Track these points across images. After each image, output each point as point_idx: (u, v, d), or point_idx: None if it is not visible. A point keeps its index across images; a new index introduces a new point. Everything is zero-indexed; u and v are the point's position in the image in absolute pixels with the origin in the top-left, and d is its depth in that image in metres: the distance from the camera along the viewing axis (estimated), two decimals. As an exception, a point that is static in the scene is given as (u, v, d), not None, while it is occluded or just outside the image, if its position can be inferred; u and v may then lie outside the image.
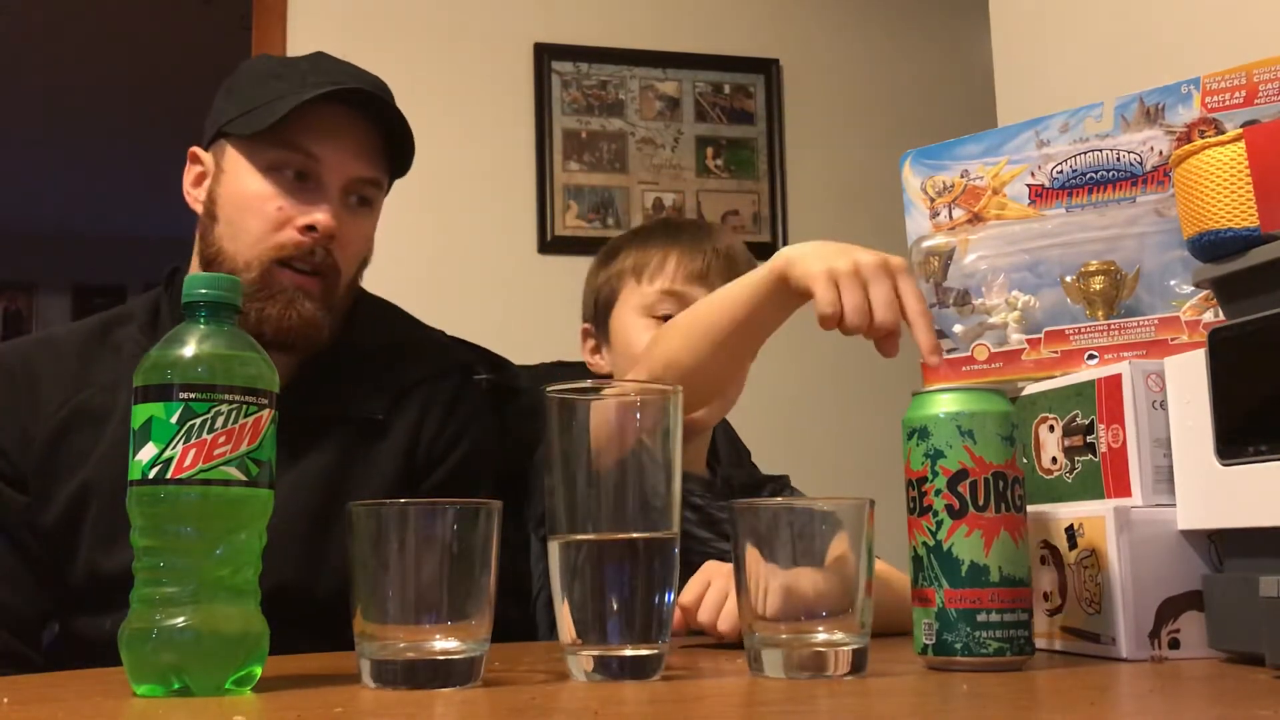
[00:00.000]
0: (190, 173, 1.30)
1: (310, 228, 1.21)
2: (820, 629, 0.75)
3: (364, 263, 1.32)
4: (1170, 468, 0.85)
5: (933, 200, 1.11)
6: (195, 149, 1.30)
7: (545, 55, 3.04)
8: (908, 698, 0.71)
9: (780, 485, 1.38)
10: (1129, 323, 0.98)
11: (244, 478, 0.70)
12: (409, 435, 1.29)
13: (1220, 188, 0.78)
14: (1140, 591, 0.82)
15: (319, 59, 1.31)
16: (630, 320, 1.35)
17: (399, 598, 0.71)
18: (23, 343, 1.35)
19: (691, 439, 1.30)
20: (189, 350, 0.71)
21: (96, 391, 1.24)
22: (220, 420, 0.70)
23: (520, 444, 1.33)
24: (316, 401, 1.25)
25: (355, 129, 1.25)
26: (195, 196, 1.29)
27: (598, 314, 1.41)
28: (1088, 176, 1.05)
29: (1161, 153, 1.01)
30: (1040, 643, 0.87)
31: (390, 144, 1.28)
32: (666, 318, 1.27)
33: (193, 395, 0.69)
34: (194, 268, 1.28)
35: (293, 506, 1.18)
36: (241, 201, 1.22)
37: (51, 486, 1.21)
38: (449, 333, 1.46)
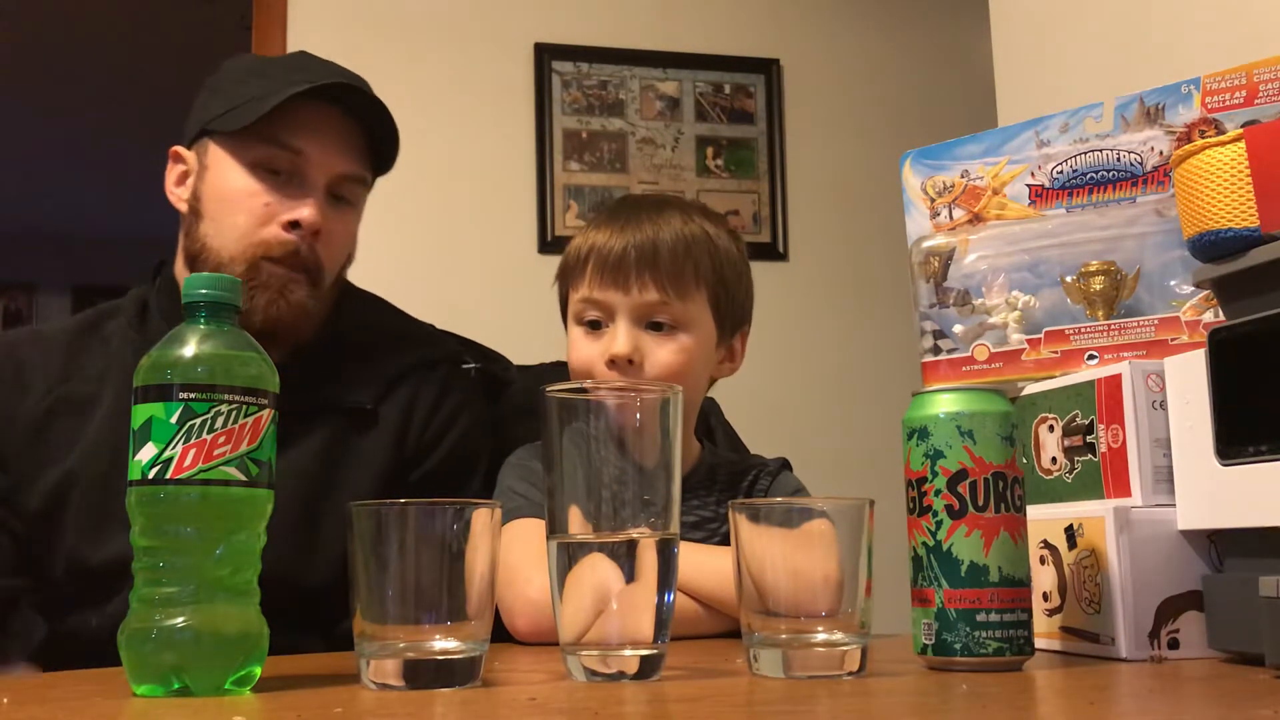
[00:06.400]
0: (173, 172, 1.30)
1: (295, 224, 1.21)
2: (820, 629, 0.75)
3: (348, 259, 1.33)
4: (1170, 468, 0.85)
5: (933, 200, 1.11)
6: (177, 148, 1.31)
7: (545, 55, 3.04)
8: (907, 698, 0.71)
9: (767, 469, 1.30)
10: (1129, 323, 0.98)
11: (244, 478, 0.70)
12: (399, 424, 1.29)
13: (1220, 188, 0.78)
14: (1140, 591, 0.82)
15: (302, 57, 1.31)
16: (570, 328, 1.25)
17: (398, 598, 0.71)
18: (13, 333, 1.37)
19: None
20: (189, 350, 0.71)
21: (82, 381, 1.24)
22: (220, 420, 0.70)
23: (511, 436, 1.32)
24: (306, 392, 1.25)
25: (339, 126, 1.25)
26: (179, 195, 1.29)
27: (563, 317, 1.30)
28: (1088, 176, 1.05)
29: (1162, 153, 1.01)
30: (1040, 643, 0.87)
31: (372, 141, 1.29)
32: (593, 323, 1.21)
33: (193, 395, 0.70)
34: (179, 265, 1.29)
35: (283, 496, 1.18)
36: (226, 197, 1.23)
37: (33, 473, 1.21)
38: (452, 335, 1.46)
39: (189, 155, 1.29)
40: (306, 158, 1.23)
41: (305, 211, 1.21)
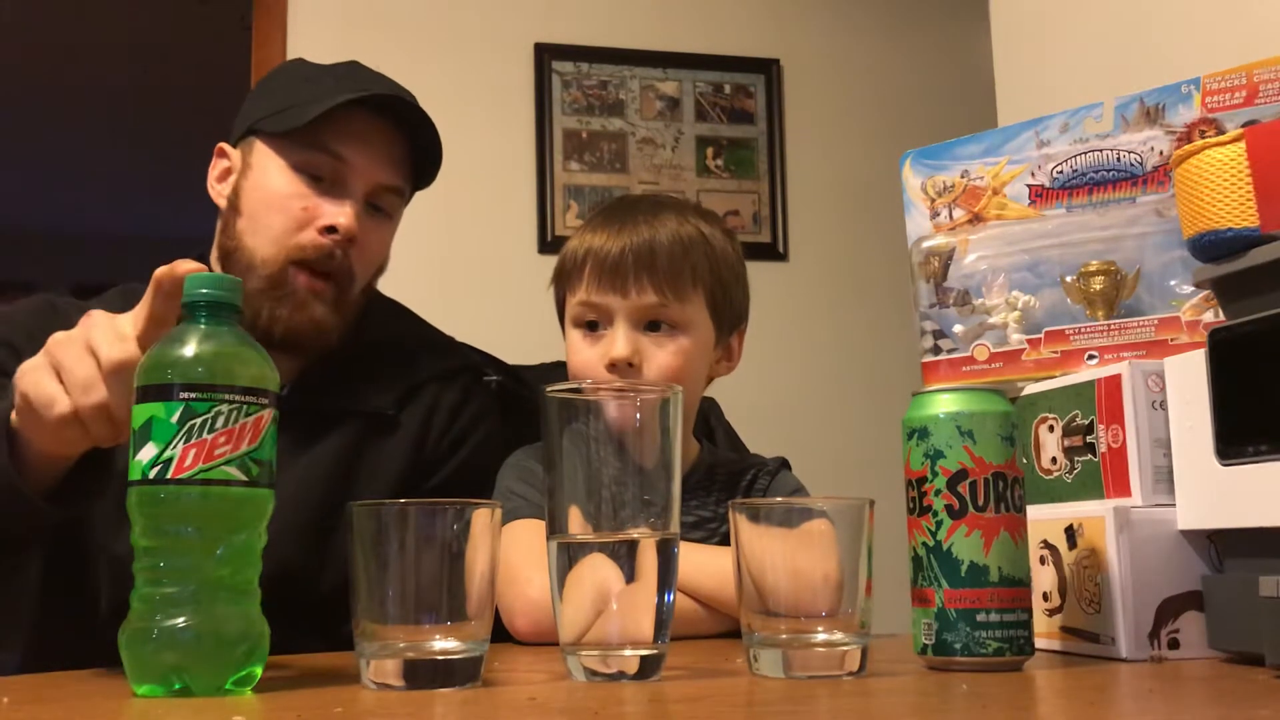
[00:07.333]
0: (216, 167, 1.32)
1: (331, 229, 1.22)
2: (820, 629, 0.75)
3: (379, 269, 1.34)
4: (1170, 468, 0.85)
5: (933, 200, 1.11)
6: (223, 145, 1.32)
7: (546, 55, 3.04)
8: (908, 698, 0.71)
9: (766, 468, 1.30)
10: (1129, 323, 0.98)
11: (244, 478, 0.70)
12: (419, 431, 1.31)
13: (1220, 188, 0.78)
14: (1140, 591, 0.82)
15: (353, 67, 1.33)
16: (569, 331, 1.25)
17: (399, 598, 0.71)
18: (39, 299, 1.37)
19: None
20: (189, 350, 0.71)
21: None
22: (221, 420, 0.70)
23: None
24: (329, 395, 1.27)
25: (384, 137, 1.27)
26: (219, 191, 1.30)
27: (560, 319, 1.29)
28: (1088, 177, 1.05)
29: (1162, 153, 1.01)
30: (1040, 643, 0.87)
31: (415, 155, 1.31)
32: (591, 326, 1.21)
33: (193, 395, 0.69)
34: (214, 259, 1.30)
35: (303, 496, 1.20)
36: (266, 197, 1.24)
37: None
38: (452, 334, 1.46)
39: (234, 153, 1.30)
40: (349, 165, 1.24)
41: (342, 218, 1.22)
